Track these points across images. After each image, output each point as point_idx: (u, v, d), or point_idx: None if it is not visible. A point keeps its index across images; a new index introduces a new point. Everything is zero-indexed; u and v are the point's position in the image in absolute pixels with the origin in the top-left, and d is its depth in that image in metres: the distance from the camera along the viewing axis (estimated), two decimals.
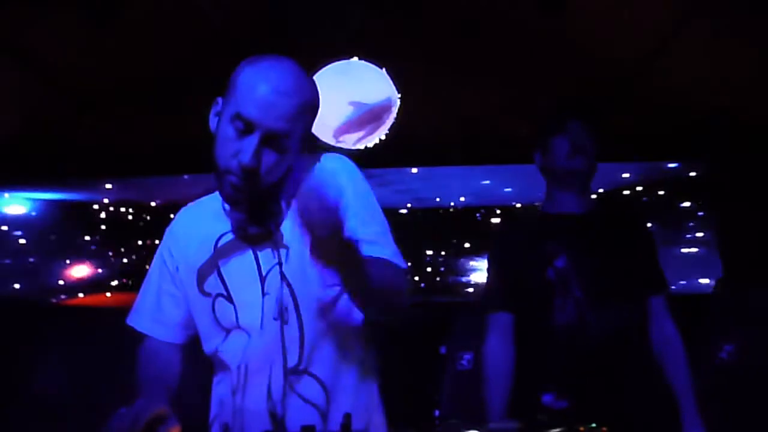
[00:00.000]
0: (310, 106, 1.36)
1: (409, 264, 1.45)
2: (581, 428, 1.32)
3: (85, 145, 3.82)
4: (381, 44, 3.74)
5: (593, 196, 2.08)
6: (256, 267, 1.38)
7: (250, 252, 1.39)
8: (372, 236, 1.38)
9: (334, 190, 1.22)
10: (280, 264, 1.36)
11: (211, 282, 1.41)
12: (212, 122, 1.39)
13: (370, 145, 3.77)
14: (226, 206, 1.40)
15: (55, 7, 2.99)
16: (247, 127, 1.30)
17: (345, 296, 1.39)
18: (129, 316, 1.52)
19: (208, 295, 1.42)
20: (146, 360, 1.47)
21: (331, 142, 3.75)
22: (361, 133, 3.72)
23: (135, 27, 3.12)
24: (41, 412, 2.87)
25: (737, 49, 3.26)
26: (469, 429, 1.30)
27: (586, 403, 1.77)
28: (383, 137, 3.78)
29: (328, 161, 1.45)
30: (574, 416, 1.74)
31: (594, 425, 1.31)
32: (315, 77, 3.75)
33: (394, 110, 3.69)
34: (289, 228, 1.39)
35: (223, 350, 1.41)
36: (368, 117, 3.69)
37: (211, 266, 1.41)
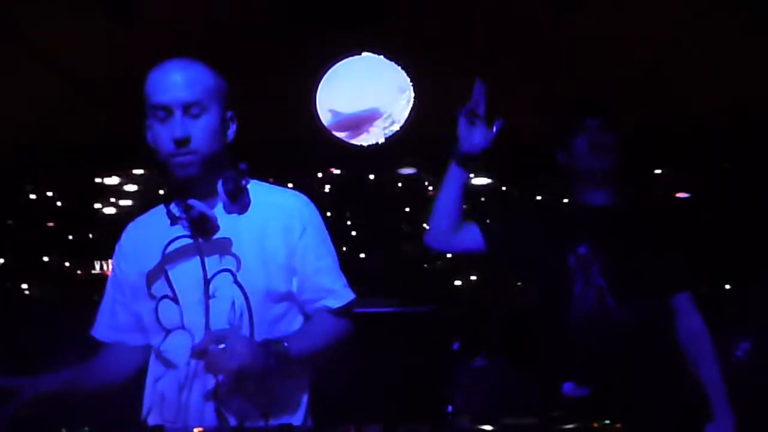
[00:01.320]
0: (212, 85, 1.50)
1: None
2: (595, 425, 1.30)
3: (102, 140, 3.84)
4: (389, 42, 3.74)
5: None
6: (201, 270, 1.47)
7: (197, 257, 1.48)
8: (325, 268, 1.56)
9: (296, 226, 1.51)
10: (231, 272, 1.47)
11: (158, 285, 1.51)
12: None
13: (380, 141, 3.79)
14: (174, 209, 1.50)
15: (72, 3, 3.00)
16: (166, 112, 1.45)
17: (294, 308, 1.55)
18: (92, 329, 1.63)
19: (153, 298, 1.51)
20: (95, 356, 1.59)
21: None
22: (344, 136, 3.79)
23: (150, 22, 3.13)
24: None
25: (744, 49, 3.24)
26: (482, 424, 1.30)
27: (606, 393, 1.77)
28: (391, 135, 3.79)
29: (288, 198, 1.61)
30: (593, 405, 1.73)
31: (608, 422, 1.29)
32: (327, 75, 3.67)
33: (382, 121, 3.73)
34: (243, 240, 1.49)
35: (165, 350, 1.50)
36: (346, 124, 3.75)
37: (159, 271, 1.51)
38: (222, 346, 1.32)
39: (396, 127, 3.76)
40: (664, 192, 4.13)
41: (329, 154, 3.95)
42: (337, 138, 3.78)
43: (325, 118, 3.77)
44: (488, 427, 1.31)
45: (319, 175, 4.25)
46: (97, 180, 4.26)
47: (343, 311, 1.56)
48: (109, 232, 4.14)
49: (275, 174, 3.99)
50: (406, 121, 3.79)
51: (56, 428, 1.30)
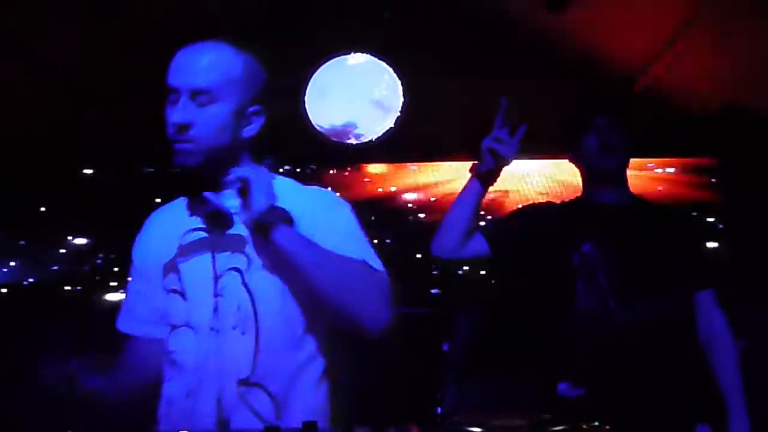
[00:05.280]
0: (235, 75, 1.42)
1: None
2: (584, 426, 1.29)
3: (89, 141, 3.82)
4: (384, 41, 3.73)
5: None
6: (211, 266, 1.42)
7: (209, 252, 1.43)
8: (340, 244, 1.40)
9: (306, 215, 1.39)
10: (239, 271, 1.40)
11: (171, 278, 1.46)
12: None
13: (373, 138, 3.80)
14: (188, 200, 1.46)
15: (57, 2, 2.99)
16: (175, 94, 1.40)
17: (308, 310, 1.42)
18: (116, 321, 1.58)
19: (165, 290, 1.47)
20: (124, 358, 1.53)
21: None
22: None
23: (136, 21, 3.12)
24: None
25: (743, 47, 3.23)
26: (471, 426, 1.29)
27: (602, 393, 1.77)
28: (385, 134, 3.80)
29: (308, 192, 1.51)
30: (587, 406, 1.72)
31: (597, 423, 1.28)
32: (316, 75, 3.69)
33: (354, 133, 3.79)
34: (256, 238, 1.41)
35: (172, 348, 1.44)
36: (329, 134, 3.83)
37: (173, 263, 1.46)
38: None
39: (367, 138, 3.83)
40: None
41: (324, 152, 3.96)
42: (329, 137, 3.82)
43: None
44: (477, 429, 1.30)
45: (313, 172, 4.25)
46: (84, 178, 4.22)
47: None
48: (100, 233, 4.16)
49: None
50: (400, 118, 3.81)
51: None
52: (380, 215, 3.99)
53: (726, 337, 1.93)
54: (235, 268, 1.41)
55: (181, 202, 1.51)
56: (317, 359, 1.44)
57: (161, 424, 1.44)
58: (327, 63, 3.75)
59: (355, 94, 3.80)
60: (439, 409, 2.79)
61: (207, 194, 1.38)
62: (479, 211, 1.95)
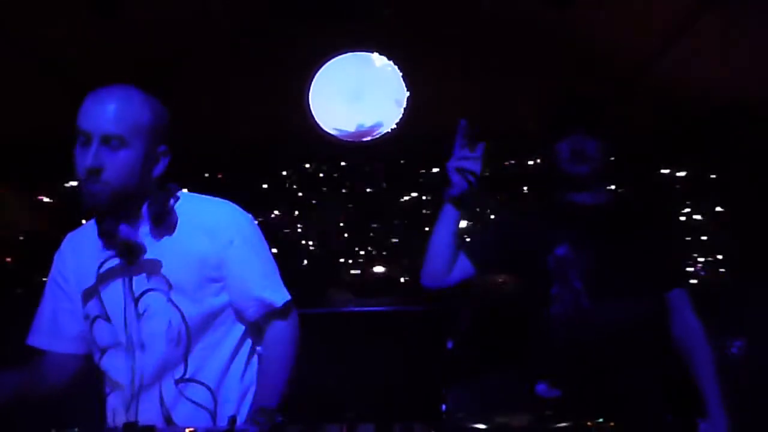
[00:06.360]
0: (144, 121, 1.52)
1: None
2: (588, 423, 1.30)
3: None
4: (385, 39, 3.74)
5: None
6: (128, 289, 1.54)
7: (125, 277, 1.56)
8: (255, 276, 1.62)
9: (221, 239, 1.55)
10: (163, 291, 1.54)
11: (92, 305, 1.58)
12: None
13: (376, 137, 3.81)
14: (99, 228, 1.55)
15: (57, 2, 2.99)
16: (86, 139, 1.49)
17: (230, 317, 1.62)
18: (28, 337, 1.68)
19: (88, 317, 1.59)
20: (33, 365, 1.64)
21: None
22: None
23: (136, 21, 3.11)
24: None
25: (746, 44, 3.24)
26: (476, 423, 1.30)
27: (579, 394, 1.79)
28: (387, 132, 3.81)
29: (214, 211, 1.63)
30: (565, 406, 1.74)
31: (601, 420, 1.29)
32: (320, 71, 3.71)
33: (381, 130, 3.82)
34: (172, 260, 1.55)
35: (106, 368, 1.59)
36: (350, 136, 3.86)
37: (93, 291, 1.58)
38: None
39: (384, 131, 3.85)
40: (662, 188, 4.14)
41: (323, 150, 3.96)
42: (331, 135, 3.82)
43: (331, 131, 3.86)
44: (482, 426, 1.31)
45: (310, 169, 4.25)
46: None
47: (280, 314, 1.63)
48: None
49: (269, 170, 4.00)
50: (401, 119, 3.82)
51: (45, 429, 1.31)
52: (384, 213, 4.00)
53: (699, 335, 1.96)
54: (155, 289, 1.55)
55: (94, 226, 1.60)
56: (240, 350, 1.63)
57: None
58: (353, 63, 3.77)
59: (384, 93, 3.84)
60: (443, 406, 2.80)
61: (119, 227, 1.51)
62: (457, 234, 1.97)
